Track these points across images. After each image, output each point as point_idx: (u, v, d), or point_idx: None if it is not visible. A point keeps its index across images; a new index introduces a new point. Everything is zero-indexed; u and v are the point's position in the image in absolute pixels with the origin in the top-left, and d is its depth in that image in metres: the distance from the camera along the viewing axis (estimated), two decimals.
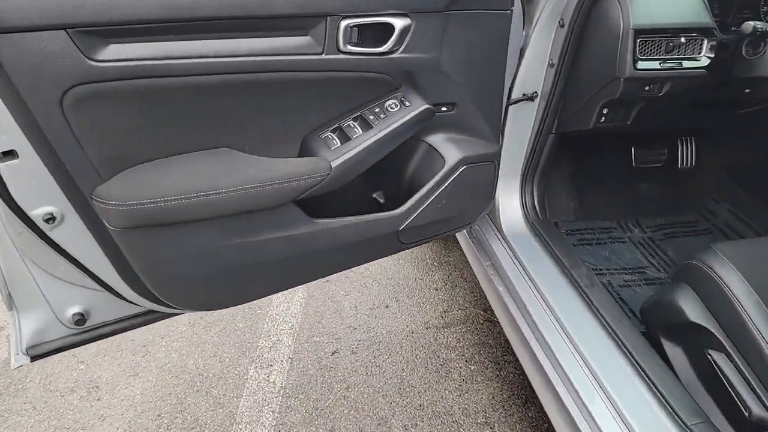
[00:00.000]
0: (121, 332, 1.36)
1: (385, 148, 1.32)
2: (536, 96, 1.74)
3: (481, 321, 2.15)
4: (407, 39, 1.26)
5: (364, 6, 1.17)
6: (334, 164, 1.24)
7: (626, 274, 1.94)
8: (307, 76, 1.19)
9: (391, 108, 1.32)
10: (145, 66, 1.00)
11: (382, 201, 1.54)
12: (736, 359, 1.27)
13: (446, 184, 1.50)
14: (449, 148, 1.50)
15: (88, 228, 1.12)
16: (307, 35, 1.16)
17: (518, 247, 1.82)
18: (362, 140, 1.28)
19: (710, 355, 1.32)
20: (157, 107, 1.06)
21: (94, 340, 1.33)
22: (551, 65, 1.68)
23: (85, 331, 1.30)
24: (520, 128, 1.79)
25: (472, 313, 2.19)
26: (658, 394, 1.30)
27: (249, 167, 1.18)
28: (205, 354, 2.04)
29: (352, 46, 1.20)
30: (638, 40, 1.49)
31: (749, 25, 1.46)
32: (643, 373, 1.36)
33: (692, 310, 1.37)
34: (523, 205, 1.87)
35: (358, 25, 1.20)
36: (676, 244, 2.12)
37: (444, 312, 2.18)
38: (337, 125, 1.30)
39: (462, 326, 2.13)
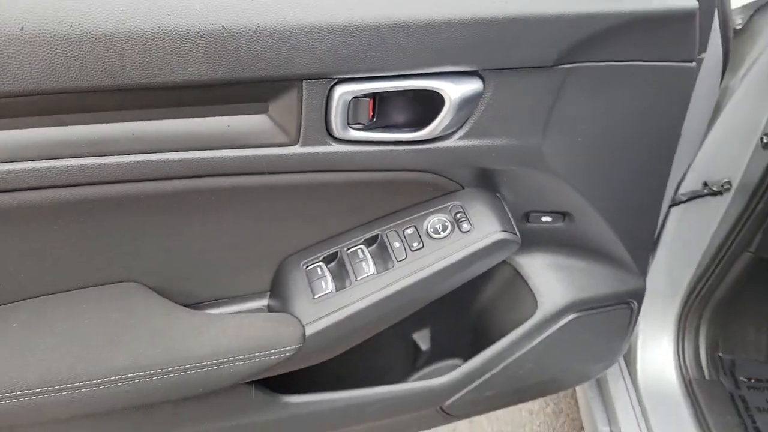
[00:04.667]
0: None
1: (413, 302, 0.75)
2: (728, 188, 1.03)
3: None
4: (476, 116, 0.68)
5: (381, 60, 0.61)
6: (310, 330, 0.71)
7: None
8: (274, 182, 0.66)
9: (437, 231, 0.74)
10: None
11: (424, 348, 0.98)
12: None
13: (537, 341, 0.89)
14: (549, 282, 0.88)
15: None
16: (265, 113, 0.63)
17: (657, 417, 1.14)
18: (373, 286, 0.73)
19: None
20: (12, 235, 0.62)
21: None
22: (766, 144, 0.96)
23: None
24: (692, 237, 1.09)
25: None
26: None
27: (160, 330, 0.68)
28: None
29: (358, 129, 0.65)
30: None
31: None
32: None
33: None
34: (679, 355, 1.18)
35: (374, 96, 0.64)
36: None
37: None
38: (335, 250, 0.76)
39: None
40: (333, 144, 0.65)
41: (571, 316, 0.89)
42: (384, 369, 0.97)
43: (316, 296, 0.73)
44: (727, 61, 0.83)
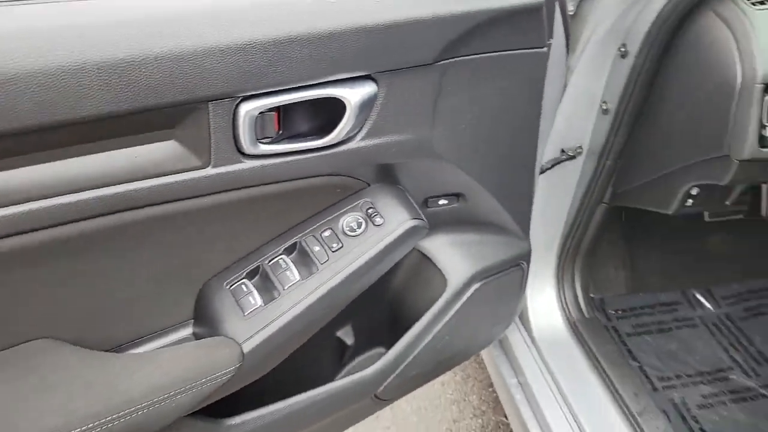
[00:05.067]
0: None
1: (341, 300, 0.79)
2: (580, 152, 1.19)
3: None
4: (372, 116, 0.72)
5: (282, 74, 0.63)
6: (247, 348, 0.71)
7: (704, 383, 1.40)
8: (189, 207, 0.66)
9: (353, 229, 0.78)
10: None
11: (349, 342, 1.01)
12: None
13: (450, 315, 0.97)
14: (453, 259, 0.96)
15: None
16: (174, 138, 0.62)
17: (553, 359, 1.29)
18: (301, 293, 0.75)
19: None
20: None
21: None
22: (605, 111, 1.12)
23: None
24: (557, 198, 1.24)
25: (490, 422, 1.67)
26: None
27: (89, 381, 0.65)
28: None
29: (267, 143, 0.67)
30: (767, 99, 0.91)
31: None
32: None
33: None
34: (561, 300, 1.34)
35: (278, 109, 0.66)
36: (764, 324, 1.57)
37: (453, 422, 1.67)
38: (256, 265, 0.76)
39: None
40: (245, 161, 0.66)
41: (475, 286, 0.97)
42: (316, 370, 0.99)
43: (247, 313, 0.73)
44: (569, 44, 0.97)
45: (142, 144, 0.60)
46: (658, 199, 1.15)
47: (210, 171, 0.64)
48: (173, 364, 0.67)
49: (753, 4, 0.96)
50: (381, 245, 0.77)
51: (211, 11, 0.59)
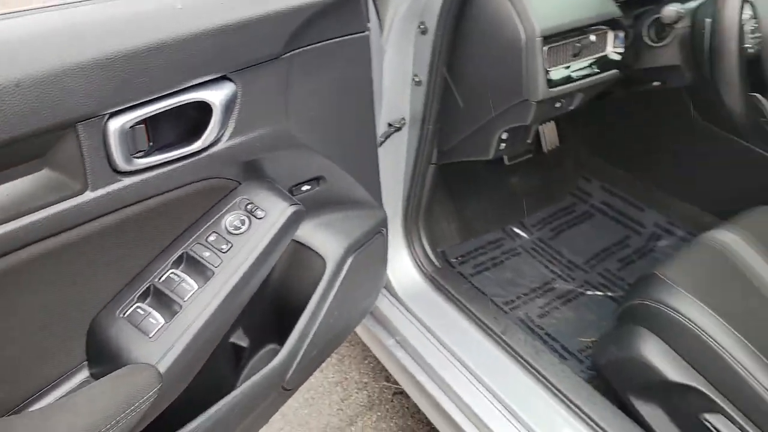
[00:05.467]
0: None
1: (242, 299, 0.80)
2: (404, 123, 1.33)
3: (390, 398, 1.75)
4: (234, 115, 0.74)
5: (146, 84, 0.62)
6: (163, 366, 0.70)
7: (538, 296, 1.67)
8: (72, 237, 0.62)
9: (237, 228, 0.80)
10: None
11: (245, 345, 1.02)
12: (741, 421, 1.04)
13: (335, 291, 1.03)
14: (326, 239, 1.02)
15: None
16: (43, 168, 0.58)
17: (421, 310, 1.43)
18: (203, 300, 0.75)
19: (707, 420, 1.07)
20: None
21: None
22: (417, 83, 1.27)
23: None
24: (393, 166, 1.37)
25: (375, 390, 1.77)
26: None
27: None
28: None
29: (140, 157, 0.65)
30: (546, 49, 1.12)
31: (672, 10, 1.17)
32: None
33: (671, 368, 1.10)
34: (414, 256, 1.48)
35: (147, 120, 0.65)
36: (567, 238, 1.92)
37: (342, 401, 1.73)
38: (147, 286, 0.74)
39: (370, 414, 1.71)
40: (122, 179, 0.64)
41: (350, 259, 1.05)
42: (219, 381, 0.98)
43: (152, 334, 0.71)
44: (381, 25, 1.08)
45: (13, 180, 0.55)
46: (478, 149, 1.34)
47: (89, 195, 0.61)
48: (91, 405, 0.63)
49: None
50: (269, 236, 0.80)
51: (65, 29, 0.56)
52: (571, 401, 1.14)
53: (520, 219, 1.96)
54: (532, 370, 1.21)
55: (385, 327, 1.48)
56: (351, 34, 0.92)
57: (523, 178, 2.04)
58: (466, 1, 1.15)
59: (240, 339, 1.02)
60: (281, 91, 0.81)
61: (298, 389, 1.16)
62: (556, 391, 1.17)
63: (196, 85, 0.68)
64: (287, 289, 1.05)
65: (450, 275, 1.51)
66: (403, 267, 1.49)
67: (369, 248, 1.12)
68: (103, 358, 0.71)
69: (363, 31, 0.94)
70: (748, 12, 1.14)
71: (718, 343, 1.05)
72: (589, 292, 1.69)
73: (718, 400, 1.05)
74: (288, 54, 0.80)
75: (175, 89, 0.66)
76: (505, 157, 1.88)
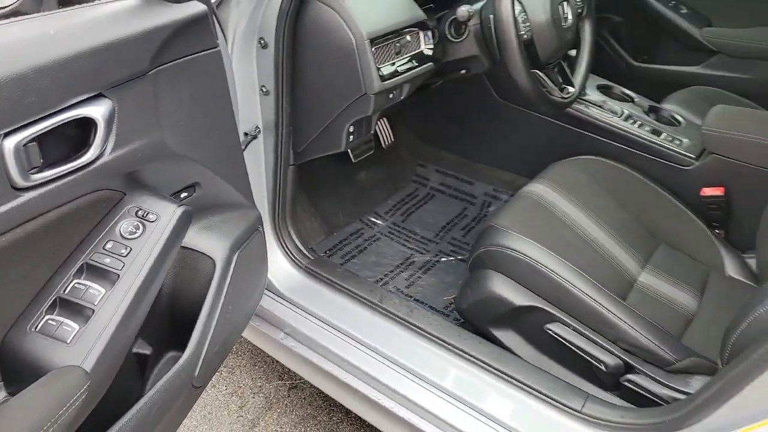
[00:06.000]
0: None
1: (148, 299, 0.86)
2: (259, 130, 1.44)
3: (286, 393, 1.82)
4: (115, 129, 0.81)
5: (35, 104, 0.68)
6: (88, 365, 0.74)
7: (402, 271, 1.88)
8: None
9: (132, 232, 0.86)
10: None
11: (148, 353, 1.06)
12: (573, 323, 1.32)
13: (227, 287, 1.11)
14: (211, 240, 1.10)
15: None
16: None
17: (304, 299, 1.55)
18: (114, 301, 0.80)
19: (549, 329, 1.34)
20: None
21: None
22: (266, 93, 1.39)
23: None
24: (257, 170, 1.48)
25: (271, 390, 1.83)
26: (525, 386, 1.27)
27: None
28: None
29: (36, 173, 0.70)
30: (373, 49, 1.31)
31: (464, 10, 1.43)
32: (497, 372, 1.31)
33: (516, 295, 1.36)
34: (287, 253, 1.59)
35: (37, 138, 0.70)
36: (416, 218, 2.16)
37: (240, 408, 1.77)
38: (53, 299, 0.78)
39: (270, 413, 1.77)
40: (21, 194, 0.68)
41: (235, 256, 1.14)
42: (128, 390, 1.00)
43: (70, 340, 0.75)
44: (226, 40, 1.18)
45: None
46: (330, 144, 1.50)
47: None
48: (26, 410, 0.66)
49: None
50: (165, 235, 0.87)
51: None
52: (444, 341, 1.34)
53: (374, 209, 2.16)
54: (409, 325, 1.39)
55: (272, 323, 1.57)
56: (205, 50, 1.02)
57: (369, 173, 2.25)
58: (299, 17, 1.31)
59: (142, 348, 1.06)
60: (152, 105, 0.89)
61: (192, 407, 1.21)
62: (432, 337, 1.36)
63: (80, 102, 0.74)
64: (180, 294, 1.11)
65: (324, 263, 1.65)
66: (278, 264, 1.60)
67: (251, 245, 1.21)
68: (21, 373, 0.73)
69: (215, 47, 1.05)
70: (518, 7, 1.45)
71: (548, 268, 1.32)
72: (443, 259, 1.94)
73: (555, 312, 1.32)
74: (153, 71, 0.88)
75: (62, 107, 0.71)
76: (352, 156, 2.07)
